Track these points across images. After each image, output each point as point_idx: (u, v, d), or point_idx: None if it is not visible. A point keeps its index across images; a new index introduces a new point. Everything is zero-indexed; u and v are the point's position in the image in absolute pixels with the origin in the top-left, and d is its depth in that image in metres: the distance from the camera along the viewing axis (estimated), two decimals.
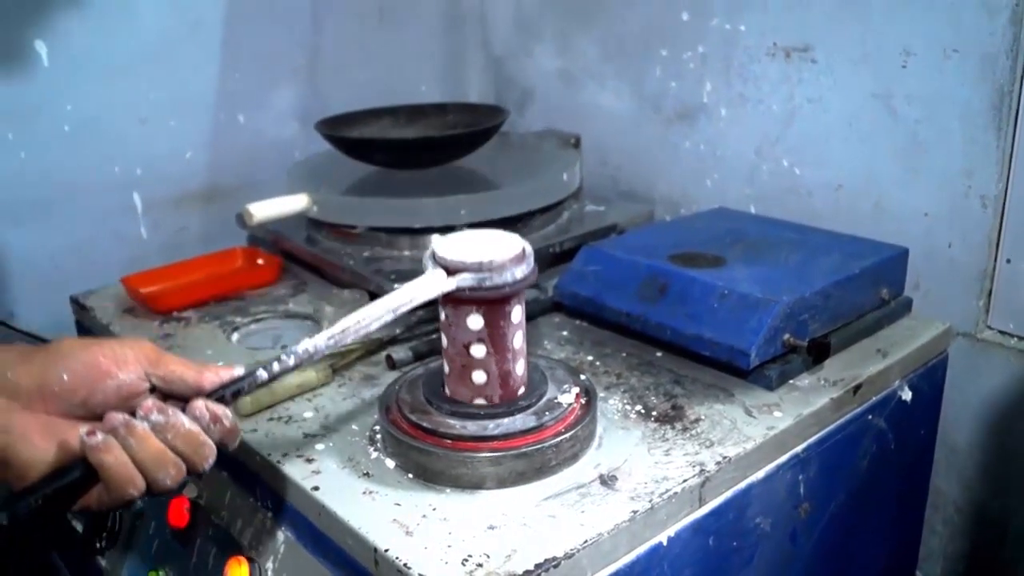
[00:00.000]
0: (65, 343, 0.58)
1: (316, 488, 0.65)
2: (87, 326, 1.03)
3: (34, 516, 0.52)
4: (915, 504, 0.95)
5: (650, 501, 0.62)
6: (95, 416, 0.56)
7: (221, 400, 0.58)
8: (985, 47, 0.87)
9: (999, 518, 0.99)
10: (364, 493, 0.64)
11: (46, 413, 0.56)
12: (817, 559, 0.79)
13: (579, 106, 1.31)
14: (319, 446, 0.70)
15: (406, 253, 1.00)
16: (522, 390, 0.68)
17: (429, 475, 0.65)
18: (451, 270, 0.62)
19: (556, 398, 0.68)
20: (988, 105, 0.89)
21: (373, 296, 0.94)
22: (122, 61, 1.11)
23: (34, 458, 0.55)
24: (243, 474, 0.73)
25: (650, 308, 0.82)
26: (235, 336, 0.93)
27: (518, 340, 0.66)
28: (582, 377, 0.72)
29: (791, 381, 0.78)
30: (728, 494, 0.67)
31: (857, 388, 0.78)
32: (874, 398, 0.80)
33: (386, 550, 0.58)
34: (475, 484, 0.64)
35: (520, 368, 0.67)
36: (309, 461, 0.68)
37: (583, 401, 0.69)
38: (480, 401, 0.66)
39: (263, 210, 0.99)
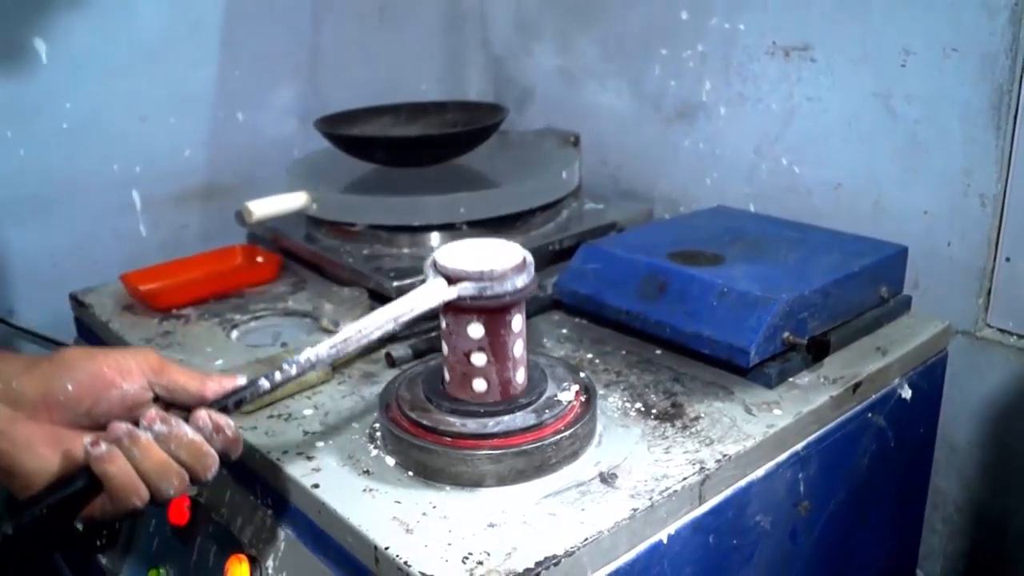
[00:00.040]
0: (69, 353, 0.59)
1: (316, 486, 0.65)
2: (86, 323, 1.02)
3: (38, 525, 0.52)
4: (915, 502, 0.96)
5: (650, 499, 0.62)
6: (99, 426, 0.57)
7: (224, 409, 0.58)
8: (985, 46, 0.87)
9: (999, 517, 0.99)
10: (364, 491, 0.64)
11: (51, 423, 0.56)
12: (817, 557, 0.79)
13: (579, 105, 1.31)
14: (319, 444, 0.70)
15: (405, 251, 1.00)
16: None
17: (429, 473, 0.65)
18: (452, 279, 0.62)
19: (556, 396, 0.68)
20: (987, 104, 0.89)
21: (373, 294, 0.94)
22: (122, 59, 1.10)
23: (39, 468, 0.55)
24: (243, 472, 0.73)
25: (650, 306, 0.82)
26: (234, 334, 0.93)
27: (518, 348, 0.67)
28: (582, 375, 0.72)
29: (791, 379, 0.78)
30: (728, 492, 0.67)
31: (857, 386, 0.78)
32: (874, 396, 0.80)
33: (386, 548, 0.58)
34: (475, 482, 0.64)
35: (520, 376, 0.68)
36: (309, 459, 0.68)
37: (583, 399, 0.69)
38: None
39: (262, 208, 0.99)
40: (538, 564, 0.56)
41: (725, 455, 0.67)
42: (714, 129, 1.14)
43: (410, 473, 0.66)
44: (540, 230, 1.06)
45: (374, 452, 0.69)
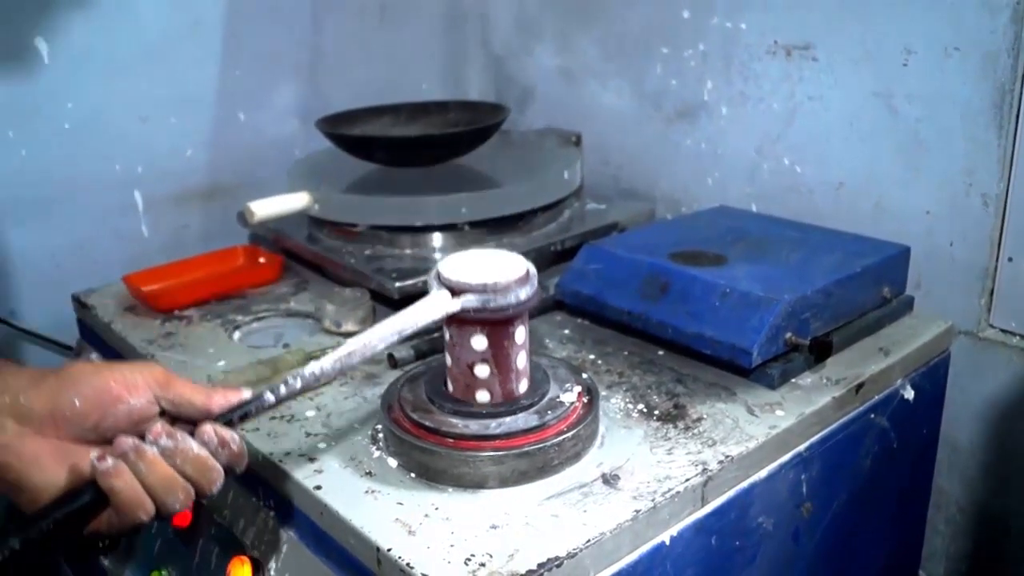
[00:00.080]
0: (76, 368, 0.59)
1: (318, 487, 0.65)
2: (88, 324, 1.02)
3: (45, 540, 0.53)
4: (918, 503, 0.95)
5: (652, 500, 0.62)
6: (106, 440, 0.57)
7: (229, 423, 0.59)
8: (986, 45, 0.87)
9: (1002, 517, 0.99)
10: (366, 492, 0.64)
11: (57, 438, 0.57)
12: (820, 558, 0.79)
13: (580, 104, 1.31)
14: (321, 445, 0.70)
15: (407, 251, 1.00)
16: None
17: (431, 474, 0.65)
18: (456, 291, 0.62)
19: (558, 397, 0.68)
20: (989, 104, 0.89)
21: (374, 294, 0.94)
22: (123, 59, 1.10)
23: (45, 482, 0.56)
24: (245, 474, 0.73)
25: (651, 306, 0.81)
26: (236, 335, 0.93)
27: (521, 360, 0.67)
28: (584, 376, 0.72)
29: (793, 380, 0.77)
30: (730, 493, 0.67)
31: (859, 387, 0.78)
32: (876, 397, 0.80)
33: (388, 550, 0.58)
34: (477, 483, 0.64)
35: (523, 387, 0.68)
36: (311, 460, 0.68)
37: (585, 400, 0.69)
38: None
39: (264, 208, 0.99)
40: (540, 566, 0.56)
41: (727, 456, 0.67)
42: (715, 129, 1.14)
43: (412, 474, 0.66)
44: (542, 230, 1.06)
45: (376, 453, 0.69)
